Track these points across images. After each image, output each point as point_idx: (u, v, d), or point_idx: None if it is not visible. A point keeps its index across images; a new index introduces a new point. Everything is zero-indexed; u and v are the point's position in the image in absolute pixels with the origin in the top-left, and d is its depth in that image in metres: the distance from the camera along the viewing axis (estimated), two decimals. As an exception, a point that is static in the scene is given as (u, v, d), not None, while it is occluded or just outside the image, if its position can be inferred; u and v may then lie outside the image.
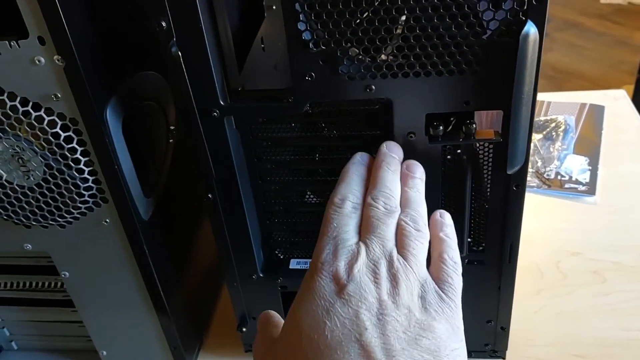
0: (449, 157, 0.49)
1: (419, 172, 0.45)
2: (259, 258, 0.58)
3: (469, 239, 0.54)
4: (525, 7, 0.39)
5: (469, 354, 0.60)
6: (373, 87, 0.44)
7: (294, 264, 0.59)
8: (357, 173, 0.44)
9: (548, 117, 0.96)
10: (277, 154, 0.53)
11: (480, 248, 0.54)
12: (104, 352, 0.65)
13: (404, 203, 0.42)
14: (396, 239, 0.40)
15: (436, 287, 0.39)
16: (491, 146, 0.47)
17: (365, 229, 0.40)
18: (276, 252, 0.60)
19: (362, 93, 0.44)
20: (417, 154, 0.47)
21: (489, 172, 0.49)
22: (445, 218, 0.43)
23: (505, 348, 0.60)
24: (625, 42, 2.96)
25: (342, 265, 0.38)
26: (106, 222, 0.53)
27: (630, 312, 0.67)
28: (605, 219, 0.79)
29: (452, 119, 0.46)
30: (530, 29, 0.39)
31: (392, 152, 0.45)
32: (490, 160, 0.48)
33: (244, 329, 0.62)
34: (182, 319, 0.64)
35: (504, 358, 0.61)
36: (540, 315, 0.68)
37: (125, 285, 0.58)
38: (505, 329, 0.59)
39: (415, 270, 0.38)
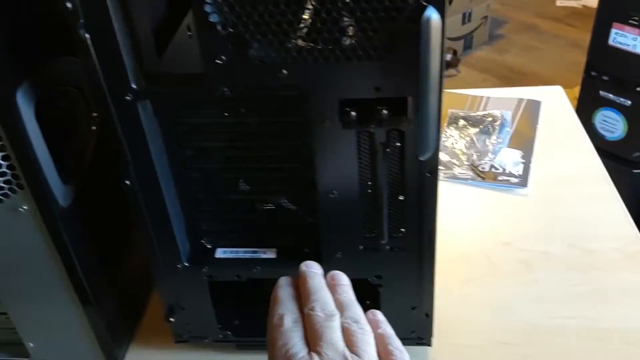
0: (365, 143, 0.49)
1: (344, 279, 0.48)
2: (184, 247, 0.58)
3: (389, 226, 0.54)
4: (427, -7, 0.40)
5: (395, 341, 0.61)
6: (285, 72, 0.44)
7: (220, 253, 0.59)
8: (287, 293, 0.46)
9: (486, 112, 0.98)
10: (198, 141, 0.53)
11: (400, 234, 0.54)
12: (31, 344, 0.64)
13: (340, 308, 0.44)
14: (344, 341, 0.41)
15: None
16: (405, 133, 0.48)
17: (313, 338, 0.41)
18: (202, 241, 0.60)
19: (274, 78, 0.45)
20: (333, 140, 0.48)
21: (404, 159, 0.49)
22: (378, 315, 0.46)
23: (431, 335, 0.61)
24: (579, 44, 3.03)
25: None
26: (23, 209, 0.52)
27: (556, 300, 0.69)
28: (536, 211, 0.81)
29: (365, 105, 0.47)
30: (432, 14, 0.40)
31: (312, 268, 0.48)
32: (405, 146, 0.49)
33: (172, 319, 0.62)
34: (111, 311, 0.63)
35: (429, 345, 0.61)
36: (468, 304, 0.69)
37: (47, 275, 0.57)
38: (429, 316, 0.59)
39: None
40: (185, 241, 0.58)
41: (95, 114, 0.58)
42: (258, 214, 0.57)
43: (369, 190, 0.52)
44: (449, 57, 2.85)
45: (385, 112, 0.45)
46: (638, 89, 1.53)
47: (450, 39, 2.89)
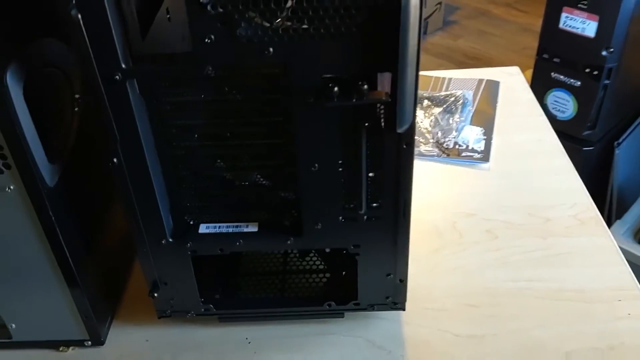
0: (345, 118, 0.52)
1: None
2: (168, 223, 0.60)
3: (367, 197, 0.57)
4: (405, -26, 0.43)
5: (372, 307, 0.65)
6: (271, 50, 0.47)
7: (203, 229, 0.61)
8: None
9: (448, 92, 1.02)
10: (182, 119, 0.55)
11: (377, 204, 0.57)
12: (13, 325, 0.65)
13: None
14: None
15: None
16: (382, 107, 0.51)
17: None
18: (185, 217, 0.61)
19: (261, 56, 0.47)
20: (315, 116, 0.51)
21: (382, 131, 0.52)
22: None
23: (404, 300, 0.65)
24: (529, 29, 3.13)
25: None
26: (10, 189, 0.53)
27: (518, 265, 0.73)
28: (497, 183, 0.86)
29: (346, 81, 0.49)
30: (410, -7, 0.43)
31: None
32: (382, 120, 0.52)
33: (156, 295, 0.64)
34: (94, 288, 0.64)
35: (403, 309, 0.65)
36: (438, 271, 0.73)
37: (33, 255, 0.58)
38: (403, 281, 0.63)
39: None
40: (169, 217, 0.60)
41: (77, 96, 0.59)
42: (240, 189, 0.60)
43: (349, 163, 0.55)
44: (405, 42, 2.89)
45: (366, 87, 0.48)
46: (587, 70, 1.59)
47: (406, 24, 2.93)
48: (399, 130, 0.51)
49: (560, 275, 0.71)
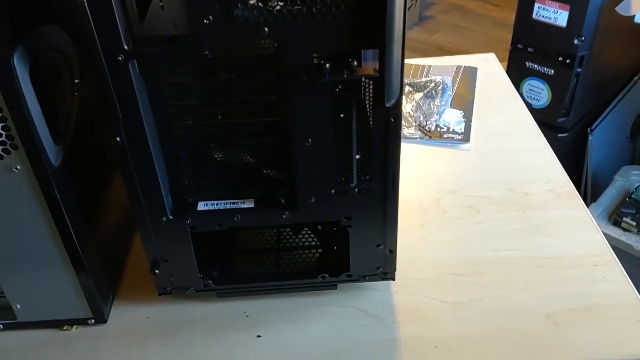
0: (337, 94, 0.55)
1: None
2: (168, 201, 0.62)
3: (358, 170, 0.61)
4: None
5: (363, 278, 0.68)
6: (266, 29, 0.50)
7: (201, 206, 0.64)
8: None
9: (429, 78, 1.06)
10: (180, 99, 0.57)
11: (368, 177, 0.61)
12: (18, 306, 0.67)
13: None
14: None
15: None
16: (371, 82, 0.54)
17: None
18: (184, 195, 0.64)
19: (256, 36, 0.50)
20: (308, 93, 0.54)
21: (371, 107, 0.56)
22: None
23: (394, 270, 0.68)
24: (503, 23, 3.19)
25: None
26: (17, 169, 0.55)
27: (499, 237, 0.78)
28: (478, 162, 0.90)
29: (337, 58, 0.53)
30: (396, -27, 0.46)
31: None
32: (371, 95, 0.55)
33: (157, 272, 0.66)
34: (97, 267, 0.67)
35: (393, 279, 0.69)
36: (424, 244, 0.77)
37: (39, 234, 0.60)
38: (392, 252, 0.67)
39: None
40: (169, 196, 0.62)
41: (77, 81, 0.61)
42: (236, 167, 0.63)
43: (340, 138, 0.58)
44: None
45: (355, 63, 0.52)
46: (560, 58, 1.63)
47: (383, 20, 2.96)
48: (387, 104, 0.54)
49: (539, 244, 0.76)
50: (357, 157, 0.59)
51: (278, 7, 0.49)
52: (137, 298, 0.72)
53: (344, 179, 0.61)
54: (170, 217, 0.63)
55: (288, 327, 0.68)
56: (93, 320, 0.68)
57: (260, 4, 0.48)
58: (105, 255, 0.69)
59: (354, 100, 0.55)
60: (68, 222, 0.60)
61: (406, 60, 1.13)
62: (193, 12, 0.48)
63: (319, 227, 0.74)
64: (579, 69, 1.58)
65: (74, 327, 0.69)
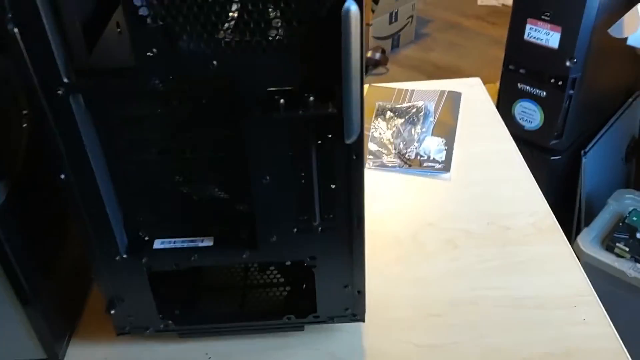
0: (294, 131, 0.52)
1: None
2: (122, 239, 0.59)
3: (320, 208, 0.57)
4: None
5: (331, 319, 0.65)
6: (215, 63, 0.47)
7: (158, 244, 0.61)
8: None
9: (411, 104, 1.03)
10: (131, 133, 0.54)
11: (331, 215, 0.58)
12: (-35, 346, 0.63)
13: None
14: None
15: None
16: (331, 119, 0.51)
17: None
18: (140, 232, 0.61)
19: (205, 69, 0.47)
20: (263, 128, 0.51)
21: (331, 144, 0.52)
22: None
23: (363, 311, 0.65)
24: (499, 40, 3.17)
25: None
26: (-46, 206, 0.52)
27: (477, 274, 0.74)
28: (458, 193, 0.87)
29: (292, 94, 0.50)
30: (351, 6, 0.43)
31: None
32: (331, 133, 0.52)
33: (113, 311, 0.63)
34: (50, 307, 0.63)
35: (363, 320, 0.65)
36: (399, 282, 0.74)
37: (-18, 274, 0.57)
38: (361, 292, 0.63)
39: None
40: (123, 233, 0.59)
41: (25, 112, 0.58)
42: (195, 203, 0.60)
43: (300, 175, 0.55)
44: (378, 55, 2.92)
45: (312, 99, 0.49)
46: (552, 80, 1.61)
47: (379, 38, 2.96)
48: (348, 142, 0.51)
49: (518, 283, 0.72)
50: (319, 195, 0.56)
51: (227, 40, 0.46)
52: (95, 337, 0.68)
53: (306, 217, 0.58)
54: (124, 255, 0.59)
55: (250, 371, 0.65)
56: (45, 362, 0.65)
57: (207, 36, 0.45)
58: (61, 293, 0.66)
59: (312, 138, 0.52)
60: (14, 261, 0.56)
61: (389, 84, 1.11)
62: (137, 43, 0.45)
63: (287, 263, 0.71)
64: (571, 91, 1.55)
65: (26, 368, 0.65)
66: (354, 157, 0.53)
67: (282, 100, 0.49)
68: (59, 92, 0.47)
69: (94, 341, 0.68)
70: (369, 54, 2.87)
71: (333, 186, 0.55)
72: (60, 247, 0.67)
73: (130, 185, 0.57)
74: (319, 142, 0.53)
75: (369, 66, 2.89)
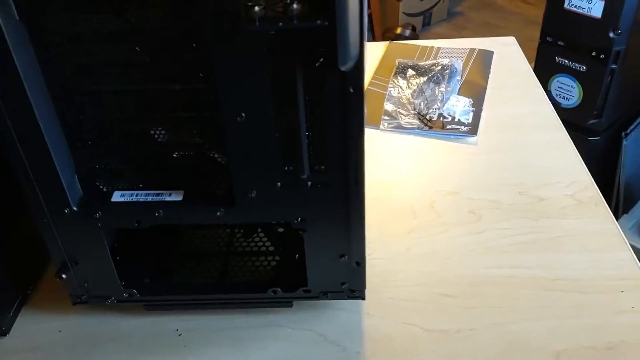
0: (276, 51, 0.41)
1: None
2: (73, 189, 0.49)
3: (310, 157, 0.47)
4: None
5: (325, 295, 0.54)
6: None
7: (117, 197, 0.51)
8: None
9: (435, 61, 0.91)
10: (79, 55, 0.44)
11: (323, 167, 0.47)
12: None
13: None
14: None
15: None
16: (321, 36, 0.40)
17: None
18: (97, 183, 0.51)
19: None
20: (235, 46, 0.40)
21: (323, 71, 0.41)
22: None
23: (363, 287, 0.54)
24: (536, 21, 3.02)
25: None
26: None
27: (503, 250, 0.63)
28: (485, 159, 0.75)
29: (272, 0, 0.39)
30: None
31: None
32: (321, 55, 0.41)
33: (64, 276, 0.53)
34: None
35: (362, 298, 0.54)
36: (409, 256, 0.63)
37: None
38: (360, 265, 0.52)
39: None
40: (75, 182, 0.50)
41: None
42: (161, 149, 0.49)
43: (284, 113, 0.44)
44: (407, 32, 2.80)
45: (295, 6, 0.38)
46: (593, 53, 1.49)
47: (409, 15, 2.84)
48: (343, 68, 0.40)
49: (552, 262, 0.60)
50: (307, 139, 0.45)
51: None
52: (50, 308, 0.59)
53: (291, 168, 0.47)
54: (75, 208, 0.49)
55: (226, 352, 0.55)
56: (-11, 332, 0.56)
57: None
58: (8, 257, 0.56)
59: (297, 62, 0.41)
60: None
61: (412, 42, 0.99)
62: None
63: (277, 230, 0.60)
64: (613, 66, 1.44)
65: (-32, 338, 0.56)
66: (351, 89, 0.42)
67: (256, 8, 0.38)
68: (-25, -9, 0.37)
69: (48, 312, 0.58)
70: (399, 31, 2.74)
71: (325, 128, 0.44)
72: (9, 203, 0.57)
73: (81, 123, 0.47)
74: (307, 68, 0.42)
75: (397, 43, 2.77)
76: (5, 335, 0.56)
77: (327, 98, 0.43)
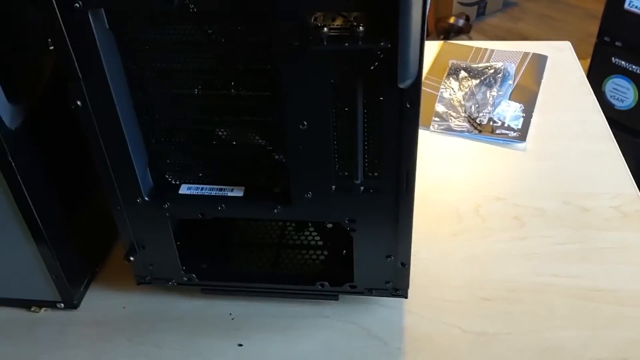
0: (339, 67, 0.44)
1: None
2: (146, 181, 0.54)
3: (364, 164, 0.50)
4: None
5: (369, 292, 0.57)
6: (248, -22, 0.39)
7: (184, 189, 0.55)
8: None
9: (489, 64, 0.92)
10: (160, 61, 0.48)
11: (376, 174, 0.50)
12: (-19, 281, 0.61)
13: None
14: None
15: None
16: (382, 56, 0.43)
17: None
18: (167, 175, 0.55)
19: (237, -14, 0.40)
20: (302, 62, 0.43)
21: (382, 87, 0.44)
22: None
23: (407, 286, 0.57)
24: (595, 15, 2.93)
25: None
26: (-37, 128, 0.48)
27: (544, 258, 0.64)
28: (533, 166, 0.77)
29: (339, 22, 0.42)
30: None
31: None
32: (383, 73, 0.44)
33: (132, 258, 0.58)
34: (67, 247, 0.59)
35: (405, 297, 0.57)
36: (453, 258, 0.65)
37: (-5, 204, 0.53)
38: (405, 265, 0.55)
39: None
40: (147, 174, 0.54)
41: (52, 32, 0.53)
42: (227, 148, 0.53)
43: (343, 123, 0.47)
44: (461, 22, 2.76)
45: (361, 28, 0.40)
46: (651, 55, 1.46)
47: (464, 4, 2.80)
48: (401, 85, 0.43)
49: (592, 272, 0.62)
50: (363, 148, 0.48)
51: (264, -50, 0.38)
52: (116, 285, 0.64)
53: (346, 173, 0.50)
54: (146, 198, 0.54)
55: (275, 338, 0.59)
56: (62, 304, 0.61)
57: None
58: (81, 235, 0.62)
59: (359, 78, 0.44)
60: (26, 193, 0.52)
61: (466, 42, 1.00)
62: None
63: (327, 227, 0.64)
64: None
65: (43, 309, 0.62)
66: (408, 105, 0.45)
67: (325, 29, 0.41)
68: (77, 5, 0.41)
69: (115, 289, 0.64)
70: (452, 20, 2.72)
71: (381, 139, 0.47)
72: (84, 187, 0.62)
73: (157, 122, 0.52)
74: (367, 84, 0.44)
75: (451, 33, 2.74)
76: (76, 308, 0.62)
77: (384, 111, 0.46)
